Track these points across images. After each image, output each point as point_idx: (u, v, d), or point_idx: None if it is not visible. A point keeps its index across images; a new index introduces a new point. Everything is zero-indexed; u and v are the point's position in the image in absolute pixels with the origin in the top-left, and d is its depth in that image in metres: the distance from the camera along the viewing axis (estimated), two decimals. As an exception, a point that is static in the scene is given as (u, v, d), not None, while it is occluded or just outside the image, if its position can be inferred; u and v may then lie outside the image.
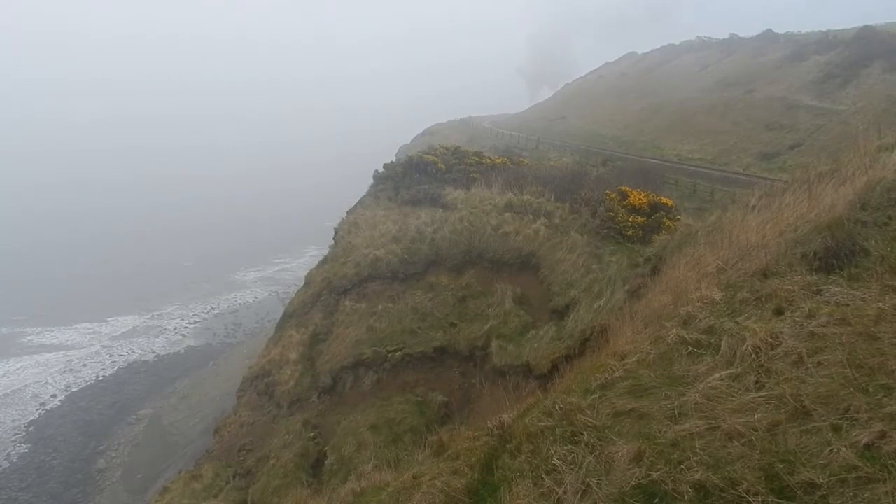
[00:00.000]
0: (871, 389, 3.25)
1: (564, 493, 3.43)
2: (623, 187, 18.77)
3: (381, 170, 28.64)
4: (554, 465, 3.73)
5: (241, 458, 15.96)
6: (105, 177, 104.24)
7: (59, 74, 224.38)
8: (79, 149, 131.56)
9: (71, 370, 35.76)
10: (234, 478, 15.46)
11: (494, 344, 14.50)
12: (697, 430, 3.43)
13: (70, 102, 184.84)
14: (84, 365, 36.50)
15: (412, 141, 67.59)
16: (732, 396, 3.69)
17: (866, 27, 45.72)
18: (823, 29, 55.32)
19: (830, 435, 3.00)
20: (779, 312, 4.60)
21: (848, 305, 4.25)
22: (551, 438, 4.08)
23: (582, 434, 3.89)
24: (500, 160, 28.18)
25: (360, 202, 27.46)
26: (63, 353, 38.39)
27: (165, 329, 42.69)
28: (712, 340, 4.58)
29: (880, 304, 4.06)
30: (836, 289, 4.53)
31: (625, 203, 17.47)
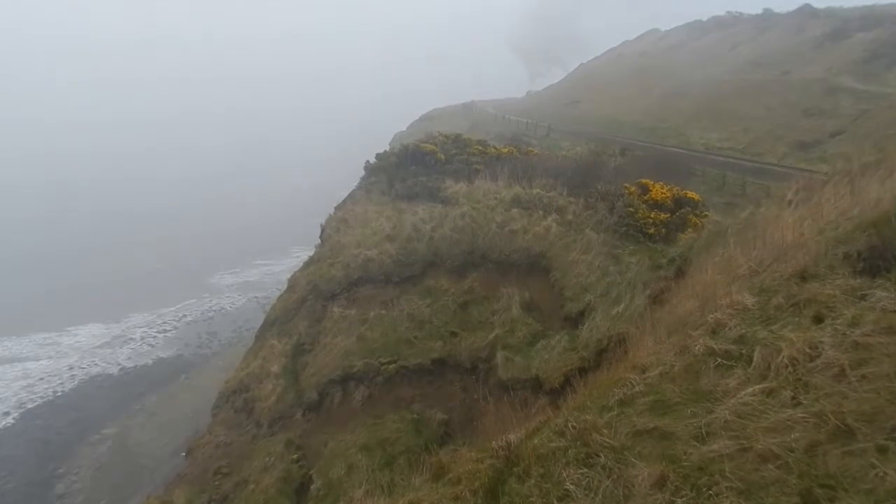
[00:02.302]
0: (921, 406, 3.26)
1: (578, 521, 3.43)
2: (644, 180, 18.80)
3: (372, 160, 28.65)
4: (567, 490, 3.73)
5: (217, 483, 15.98)
6: (74, 178, 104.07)
7: (55, 75, 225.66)
8: (49, 151, 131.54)
9: (27, 385, 35.74)
10: (208, 505, 15.49)
11: (500, 355, 14.51)
12: (727, 451, 3.44)
13: (51, 105, 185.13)
14: (41, 379, 36.44)
15: (408, 128, 67.67)
16: (766, 414, 3.70)
17: (916, 1, 45.85)
18: (868, 3, 55.41)
19: (875, 457, 3.01)
20: (818, 320, 4.60)
21: (895, 312, 4.25)
22: (563, 461, 4.09)
23: (598, 456, 3.90)
24: (506, 149, 28.21)
25: (350, 196, 27.49)
26: (18, 365, 38.37)
27: (132, 339, 42.62)
28: (744, 351, 4.58)
29: (931, 311, 4.06)
30: (883, 293, 4.53)
31: (646, 198, 17.51)
